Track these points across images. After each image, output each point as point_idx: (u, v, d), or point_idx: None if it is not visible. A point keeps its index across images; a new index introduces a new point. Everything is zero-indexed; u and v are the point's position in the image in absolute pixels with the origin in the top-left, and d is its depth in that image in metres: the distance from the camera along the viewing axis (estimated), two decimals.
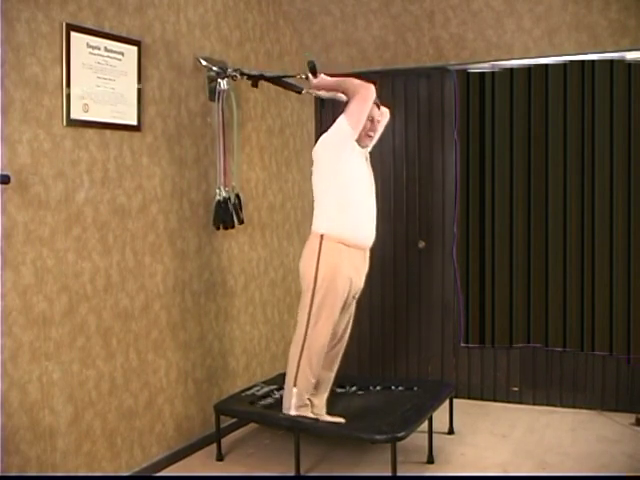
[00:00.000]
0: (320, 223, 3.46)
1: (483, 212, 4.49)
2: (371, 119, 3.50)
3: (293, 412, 3.46)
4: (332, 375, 3.69)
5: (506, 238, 4.44)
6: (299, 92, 3.95)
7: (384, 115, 3.69)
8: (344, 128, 3.36)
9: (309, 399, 3.54)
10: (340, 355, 3.70)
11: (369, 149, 3.65)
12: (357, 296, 3.62)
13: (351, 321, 3.68)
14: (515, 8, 4.17)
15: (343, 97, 3.55)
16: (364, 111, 3.38)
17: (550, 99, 4.27)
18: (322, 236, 3.42)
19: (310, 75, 3.59)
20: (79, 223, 3.08)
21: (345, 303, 3.51)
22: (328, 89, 3.66)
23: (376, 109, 3.55)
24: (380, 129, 3.68)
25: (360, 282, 3.58)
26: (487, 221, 4.48)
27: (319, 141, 3.49)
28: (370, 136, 3.55)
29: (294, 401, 3.46)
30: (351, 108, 3.37)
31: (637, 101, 4.06)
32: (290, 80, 3.91)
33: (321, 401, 3.63)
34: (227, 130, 3.88)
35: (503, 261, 4.44)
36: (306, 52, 3.70)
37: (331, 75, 3.65)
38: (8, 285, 2.76)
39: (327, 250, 3.40)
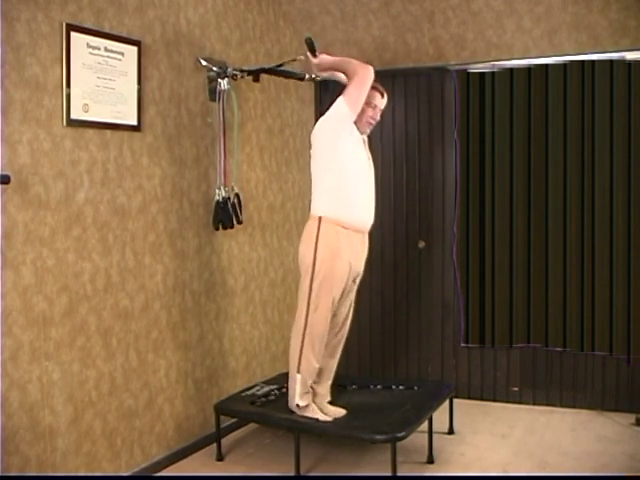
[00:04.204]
0: (318, 206, 3.44)
1: (483, 212, 4.49)
2: (373, 106, 3.49)
3: (298, 400, 3.44)
4: (335, 363, 3.68)
5: (506, 238, 4.44)
6: (302, 79, 3.93)
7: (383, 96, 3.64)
8: (342, 110, 3.34)
9: (312, 387, 3.53)
10: (342, 343, 3.68)
11: (367, 133, 3.62)
12: (357, 281, 3.59)
13: (352, 309, 3.65)
14: (515, 8, 4.17)
15: (343, 77, 3.52)
16: (362, 93, 3.35)
17: (550, 99, 4.27)
18: (320, 219, 3.40)
19: (309, 55, 3.53)
20: (79, 223, 3.08)
21: (345, 288, 3.49)
22: (329, 69, 3.61)
23: (379, 96, 3.52)
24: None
25: (359, 266, 3.55)
26: (487, 221, 4.48)
27: (317, 123, 3.46)
28: (371, 123, 3.53)
29: (298, 388, 3.44)
30: (349, 90, 3.35)
31: (637, 101, 4.06)
32: (290, 67, 3.87)
33: (324, 389, 3.63)
34: (227, 130, 3.88)
35: (503, 261, 4.44)
36: (306, 34, 3.67)
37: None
38: (8, 285, 2.76)
39: (325, 233, 3.38)
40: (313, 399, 3.54)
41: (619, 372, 4.26)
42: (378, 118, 3.58)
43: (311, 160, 3.49)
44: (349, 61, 3.46)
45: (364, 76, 3.35)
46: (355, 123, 3.42)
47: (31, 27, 2.83)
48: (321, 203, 3.44)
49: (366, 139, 3.60)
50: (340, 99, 3.36)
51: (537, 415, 4.31)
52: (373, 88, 3.48)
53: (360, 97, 3.35)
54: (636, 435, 3.92)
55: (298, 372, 3.45)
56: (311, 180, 3.49)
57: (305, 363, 3.44)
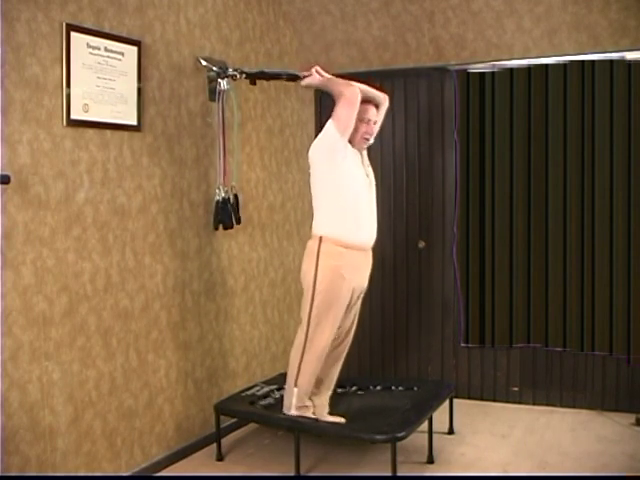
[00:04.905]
0: (318, 225, 3.45)
1: (483, 212, 4.49)
2: (367, 121, 3.47)
3: (293, 412, 3.46)
4: (335, 373, 3.68)
5: (506, 238, 4.43)
6: (296, 80, 3.91)
7: (383, 104, 3.62)
8: (332, 134, 3.33)
9: (311, 399, 3.54)
10: (344, 354, 3.69)
11: (365, 148, 3.59)
12: (362, 296, 3.60)
13: (355, 321, 3.66)
14: (515, 8, 4.17)
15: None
16: (350, 115, 3.33)
17: (550, 99, 4.27)
18: (321, 238, 3.41)
19: (299, 81, 3.56)
20: (79, 223, 3.08)
21: (349, 304, 3.50)
22: (318, 88, 3.61)
23: (373, 110, 3.50)
24: (380, 118, 3.61)
25: (363, 283, 3.56)
26: (487, 221, 4.48)
27: (312, 145, 3.46)
28: (366, 138, 3.51)
29: (294, 401, 3.46)
30: (337, 113, 3.33)
31: (637, 101, 4.06)
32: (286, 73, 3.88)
33: (323, 400, 3.62)
34: (227, 130, 3.88)
35: (503, 261, 4.44)
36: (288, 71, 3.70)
37: (338, 75, 3.59)
38: (8, 285, 2.76)
39: (326, 252, 3.39)
40: (312, 411, 3.54)
41: (619, 372, 4.26)
42: (374, 132, 3.55)
43: (310, 179, 3.50)
44: (335, 83, 3.44)
45: (350, 98, 3.32)
46: (350, 141, 3.41)
47: (31, 27, 2.83)
48: (321, 222, 3.44)
49: (365, 153, 3.59)
50: (329, 123, 3.34)
51: (537, 415, 4.31)
52: (367, 102, 3.46)
53: (349, 118, 3.33)
54: (636, 435, 3.92)
55: (295, 386, 3.46)
56: (312, 197, 3.50)
57: (303, 379, 3.45)
